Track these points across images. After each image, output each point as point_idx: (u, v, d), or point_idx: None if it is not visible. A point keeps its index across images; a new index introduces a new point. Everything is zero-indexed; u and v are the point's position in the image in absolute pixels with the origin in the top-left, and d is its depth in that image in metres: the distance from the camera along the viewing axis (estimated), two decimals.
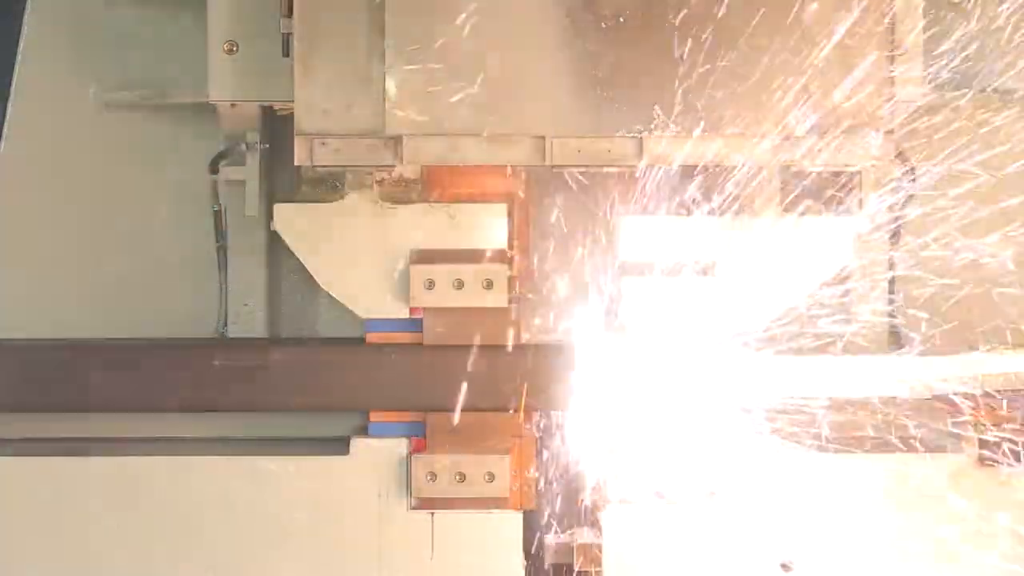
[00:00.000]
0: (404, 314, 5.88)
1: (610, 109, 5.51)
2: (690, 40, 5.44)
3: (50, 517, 5.88)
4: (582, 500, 5.94)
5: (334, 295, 5.92)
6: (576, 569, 5.89)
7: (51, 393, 5.90)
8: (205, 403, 5.92)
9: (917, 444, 5.77)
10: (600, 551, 5.84)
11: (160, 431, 6.02)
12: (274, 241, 6.03)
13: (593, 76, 5.50)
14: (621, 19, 5.50)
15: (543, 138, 5.54)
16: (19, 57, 6.13)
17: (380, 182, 5.91)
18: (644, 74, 5.48)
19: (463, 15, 5.48)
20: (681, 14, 5.45)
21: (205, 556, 5.88)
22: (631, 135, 5.51)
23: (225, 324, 6.09)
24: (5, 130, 6.13)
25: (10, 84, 6.14)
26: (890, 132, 5.52)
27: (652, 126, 5.51)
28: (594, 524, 5.91)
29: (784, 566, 5.79)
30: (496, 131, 5.54)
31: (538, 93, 5.53)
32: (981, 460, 5.80)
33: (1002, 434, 5.75)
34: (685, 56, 5.45)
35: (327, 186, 5.94)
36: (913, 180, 5.86)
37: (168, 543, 5.88)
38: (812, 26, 5.45)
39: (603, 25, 5.49)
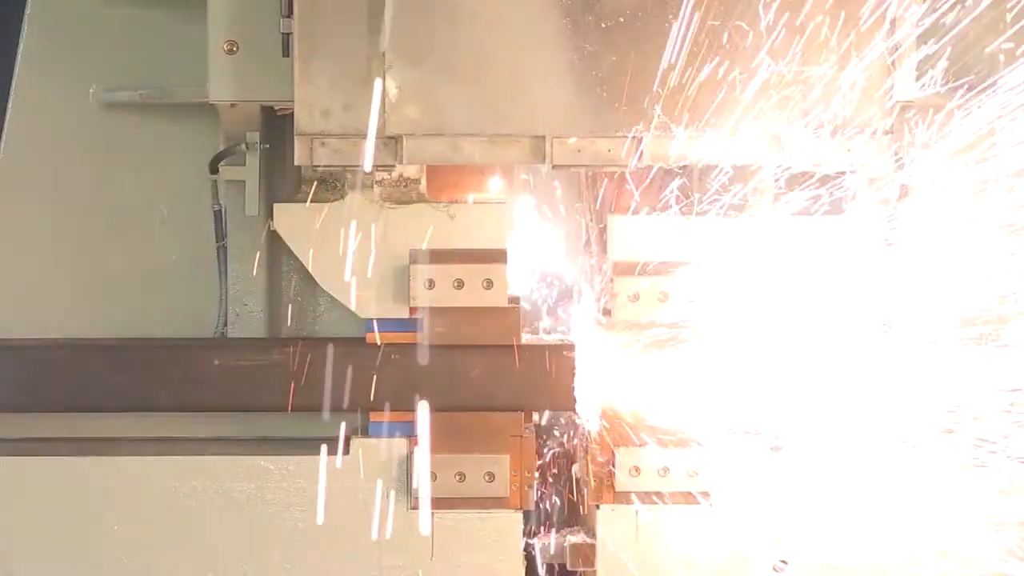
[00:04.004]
0: (404, 314, 5.88)
1: (610, 109, 5.52)
2: (689, 40, 5.45)
3: (50, 517, 5.88)
4: (578, 500, 5.97)
5: (334, 295, 5.92)
6: (569, 569, 5.92)
7: (51, 393, 5.90)
8: (205, 403, 5.93)
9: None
10: (593, 551, 5.86)
11: (160, 431, 6.01)
12: (274, 241, 6.03)
13: (593, 76, 5.50)
14: (621, 19, 5.50)
15: (543, 138, 5.55)
16: (19, 57, 6.13)
17: (380, 182, 5.92)
18: (644, 74, 5.49)
19: (463, 15, 5.49)
20: (680, 14, 5.45)
21: (205, 556, 5.88)
22: (631, 135, 5.53)
23: (225, 324, 6.09)
24: (5, 130, 6.13)
25: (10, 84, 6.14)
26: (888, 133, 5.54)
27: (652, 126, 5.51)
28: (587, 524, 5.93)
29: (776, 567, 5.80)
30: (496, 131, 5.55)
31: (538, 93, 5.54)
32: None
33: None
34: (683, 56, 5.46)
35: (327, 186, 5.95)
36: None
37: (168, 543, 5.88)
38: (810, 26, 5.46)
39: (603, 25, 5.49)
